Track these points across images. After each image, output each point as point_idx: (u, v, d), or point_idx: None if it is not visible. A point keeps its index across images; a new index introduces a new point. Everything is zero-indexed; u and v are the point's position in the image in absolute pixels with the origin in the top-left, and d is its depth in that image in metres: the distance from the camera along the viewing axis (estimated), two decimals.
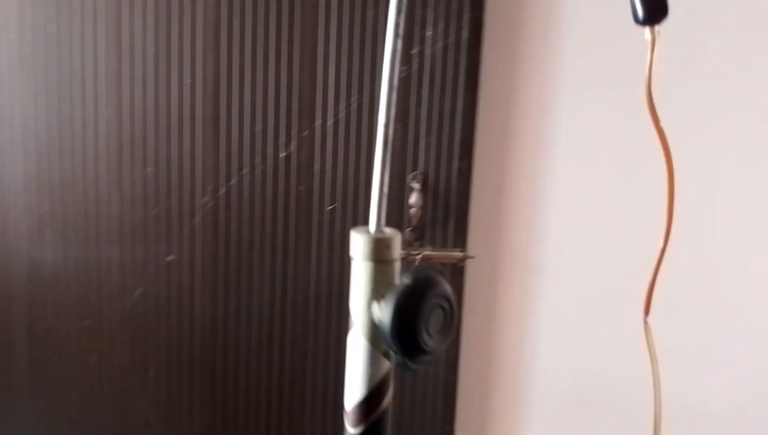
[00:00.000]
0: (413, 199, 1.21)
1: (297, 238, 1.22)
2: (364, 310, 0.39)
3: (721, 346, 1.22)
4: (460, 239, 1.23)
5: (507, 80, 1.23)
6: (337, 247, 1.22)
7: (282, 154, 1.20)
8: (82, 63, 1.19)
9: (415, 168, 1.21)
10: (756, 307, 1.21)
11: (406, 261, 1.23)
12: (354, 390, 0.41)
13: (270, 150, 1.20)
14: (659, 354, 0.43)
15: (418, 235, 1.23)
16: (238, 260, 1.23)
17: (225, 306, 1.24)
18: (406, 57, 1.18)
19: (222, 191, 1.21)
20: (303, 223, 1.22)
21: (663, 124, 0.40)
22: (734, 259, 1.20)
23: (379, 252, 0.39)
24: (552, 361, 1.29)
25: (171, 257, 1.23)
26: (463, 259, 1.24)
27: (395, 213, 1.22)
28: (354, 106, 1.19)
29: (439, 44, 1.17)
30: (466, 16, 1.14)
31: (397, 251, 0.40)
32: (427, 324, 0.38)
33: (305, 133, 1.19)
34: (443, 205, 1.22)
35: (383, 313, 0.37)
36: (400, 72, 1.19)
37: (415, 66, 1.18)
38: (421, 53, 1.17)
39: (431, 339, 0.39)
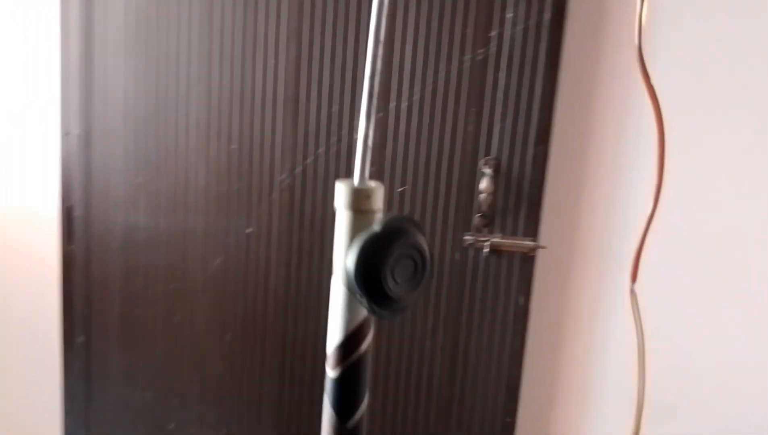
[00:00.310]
0: (484, 184, 1.21)
1: None
2: (342, 257, 0.41)
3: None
4: (531, 228, 1.22)
5: (590, 64, 1.19)
6: None
7: (355, 136, 1.24)
8: (177, 44, 1.29)
9: (487, 153, 1.20)
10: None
11: (474, 247, 1.23)
12: (333, 334, 0.43)
13: (345, 131, 1.24)
14: (646, 323, 0.43)
15: (487, 222, 1.23)
16: (311, 235, 1.29)
17: (297, 278, 1.31)
18: (483, 40, 1.17)
19: (298, 169, 1.27)
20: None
21: (654, 82, 0.39)
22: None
23: (359, 202, 0.41)
24: (624, 360, 1.24)
25: (250, 230, 1.32)
26: (534, 248, 1.22)
27: (464, 198, 1.22)
28: (429, 89, 1.20)
29: (519, 27, 1.16)
30: None
31: (377, 203, 0.42)
32: (393, 271, 0.40)
33: (379, 115, 1.22)
34: (515, 192, 1.21)
35: (350, 257, 0.40)
36: (477, 54, 1.19)
37: (492, 49, 1.17)
38: (500, 36, 1.17)
39: (397, 286, 0.40)
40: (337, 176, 1.26)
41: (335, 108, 1.23)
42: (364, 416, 0.44)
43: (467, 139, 1.20)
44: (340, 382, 0.43)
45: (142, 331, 1.40)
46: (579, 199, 1.23)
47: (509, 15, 1.15)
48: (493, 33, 1.16)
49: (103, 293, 1.40)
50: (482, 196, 1.21)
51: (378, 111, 1.22)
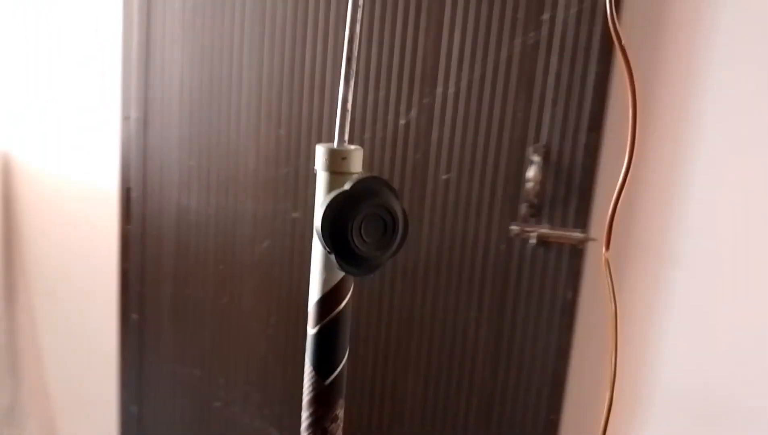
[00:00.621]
0: (532, 172, 1.19)
1: (410, 205, 1.27)
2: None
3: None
4: (581, 219, 1.19)
5: (648, 49, 1.15)
6: (449, 216, 1.25)
7: (402, 121, 1.25)
8: (231, 31, 1.33)
9: (537, 140, 1.18)
10: None
11: (520, 238, 1.22)
12: (313, 292, 0.44)
13: (391, 116, 1.25)
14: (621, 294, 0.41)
15: (534, 212, 1.21)
16: None
17: None
18: (535, 23, 1.16)
19: None
20: (417, 190, 1.26)
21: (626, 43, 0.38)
22: None
23: (335, 163, 0.42)
24: (677, 362, 1.19)
25: (296, 214, 1.35)
26: (584, 241, 1.19)
27: (511, 186, 1.21)
28: (477, 74, 1.19)
29: (573, 9, 1.13)
30: None
31: (355, 166, 0.43)
32: (360, 229, 0.41)
33: (426, 100, 1.23)
34: (565, 181, 1.18)
35: (318, 214, 0.41)
36: (528, 38, 1.18)
37: (544, 32, 1.15)
38: (552, 19, 1.14)
39: (366, 245, 0.41)
40: (382, 162, 1.27)
41: (382, 93, 1.24)
42: (343, 375, 0.45)
43: (516, 125, 1.19)
44: (320, 340, 0.44)
45: (191, 310, 1.46)
46: (633, 189, 1.19)
47: None
48: (546, 16, 1.14)
49: (157, 273, 1.47)
50: (530, 184, 1.19)
51: (424, 96, 1.22)
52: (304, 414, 0.45)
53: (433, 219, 1.26)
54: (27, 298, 1.66)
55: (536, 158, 1.18)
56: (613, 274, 1.27)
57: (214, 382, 1.47)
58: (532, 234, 1.21)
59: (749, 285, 1.13)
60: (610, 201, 1.20)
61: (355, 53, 0.44)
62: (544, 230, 1.21)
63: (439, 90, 1.22)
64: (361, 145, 1.28)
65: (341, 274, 0.43)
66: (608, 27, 1.11)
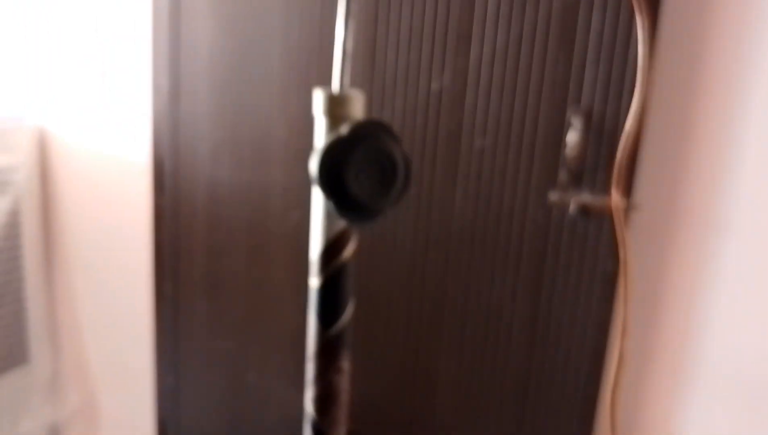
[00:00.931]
0: (572, 137, 1.15)
1: (444, 174, 1.25)
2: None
3: None
4: (625, 186, 1.15)
5: (699, 4, 1.09)
6: (484, 185, 1.22)
7: (434, 86, 1.22)
8: (259, 1, 1.33)
9: (577, 103, 1.14)
10: None
11: (559, 206, 1.18)
12: (315, 243, 0.43)
13: (423, 81, 1.23)
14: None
15: (574, 179, 1.17)
16: None
17: (371, 234, 1.32)
18: None
19: None
20: (451, 158, 1.24)
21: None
22: None
23: (334, 108, 0.41)
24: (727, 337, 1.15)
25: None
26: (628, 208, 1.15)
27: (550, 152, 1.17)
28: (514, 33, 1.16)
29: None
30: None
31: (355, 111, 0.41)
32: (358, 174, 0.39)
33: (459, 63, 1.20)
34: (607, 145, 1.14)
35: (315, 158, 0.39)
36: None
37: None
38: None
39: (363, 190, 0.40)
40: (413, 128, 1.25)
41: (413, 57, 1.22)
42: (347, 327, 0.44)
43: (555, 87, 1.15)
44: (323, 290, 0.43)
45: (224, 283, 1.48)
46: (681, 154, 1.14)
47: None
48: None
49: (190, 246, 1.50)
50: (570, 149, 1.16)
51: (457, 58, 1.20)
52: (309, 366, 0.45)
53: (467, 188, 1.23)
54: (65, 272, 1.71)
55: (576, 122, 1.14)
56: (658, 243, 1.22)
57: (248, 353, 1.49)
58: (571, 202, 1.17)
59: None
60: (657, 166, 1.15)
61: None
62: (584, 198, 1.17)
63: (474, 52, 1.18)
64: (392, 112, 1.26)
65: (342, 223, 0.42)
66: None
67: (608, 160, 1.15)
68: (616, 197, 0.39)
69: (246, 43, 1.35)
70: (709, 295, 1.15)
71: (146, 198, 1.54)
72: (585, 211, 1.18)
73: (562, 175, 1.18)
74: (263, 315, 1.45)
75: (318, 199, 0.43)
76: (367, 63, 1.26)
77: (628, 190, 1.15)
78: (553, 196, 1.18)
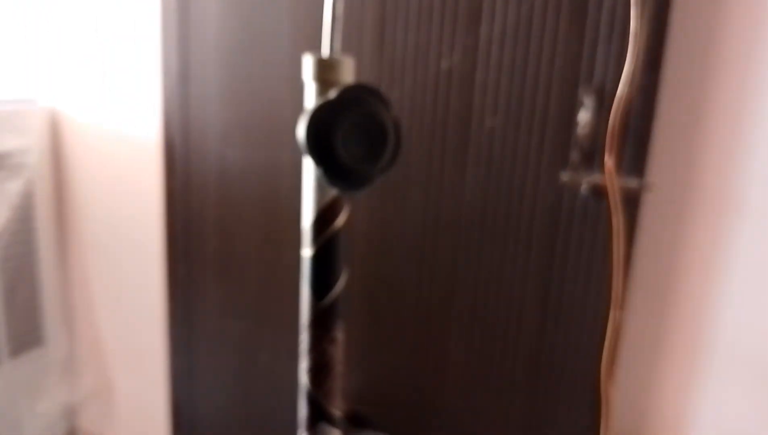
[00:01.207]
0: (584, 115, 1.15)
1: (454, 154, 1.25)
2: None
3: None
4: (638, 166, 1.14)
5: None
6: (495, 165, 1.22)
7: (444, 65, 1.22)
8: None
9: (589, 81, 1.14)
10: None
11: (571, 187, 1.18)
12: (306, 214, 0.44)
13: (432, 60, 1.23)
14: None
15: (586, 159, 1.17)
16: (394, 173, 1.30)
17: (381, 217, 1.33)
18: None
19: None
20: (460, 138, 1.24)
21: None
22: None
23: (323, 72, 0.41)
24: (743, 318, 1.14)
25: None
26: (640, 189, 1.15)
27: (561, 131, 1.17)
28: (525, 9, 1.15)
29: None
30: None
31: (345, 75, 0.42)
32: (344, 139, 0.39)
33: (469, 41, 1.20)
34: (620, 124, 1.13)
35: (302, 122, 0.40)
36: None
37: None
38: None
39: (351, 155, 0.40)
40: (423, 108, 1.25)
41: (422, 35, 1.22)
42: (340, 297, 0.44)
43: (566, 65, 1.14)
44: (315, 261, 0.44)
45: (236, 263, 1.50)
46: (696, 133, 1.13)
47: None
48: None
49: (201, 226, 1.52)
50: (581, 129, 1.15)
51: (467, 37, 1.19)
52: (303, 336, 0.46)
53: (477, 168, 1.24)
54: (79, 254, 1.75)
55: (588, 101, 1.14)
56: (673, 224, 1.22)
57: (260, 334, 1.51)
58: (583, 182, 1.17)
59: None
60: (671, 144, 1.15)
61: None
62: (597, 178, 1.16)
63: (484, 30, 1.18)
64: (402, 91, 1.27)
65: (333, 193, 0.43)
66: None
67: (620, 139, 1.14)
68: (609, 163, 0.40)
69: (254, 24, 1.36)
70: (724, 276, 1.15)
71: (158, 179, 1.56)
72: (597, 191, 1.17)
73: (574, 155, 1.17)
74: (275, 296, 1.47)
75: (309, 172, 0.43)
76: (376, 42, 1.26)
77: (641, 170, 1.14)
78: (565, 176, 1.18)
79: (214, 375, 1.58)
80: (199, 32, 1.41)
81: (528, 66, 1.17)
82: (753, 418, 1.17)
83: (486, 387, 1.32)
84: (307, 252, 0.45)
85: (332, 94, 0.41)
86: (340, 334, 0.45)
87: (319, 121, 0.39)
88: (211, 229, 1.51)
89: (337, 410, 0.46)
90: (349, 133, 0.39)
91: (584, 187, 1.17)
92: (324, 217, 0.43)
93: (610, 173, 0.40)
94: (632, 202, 1.16)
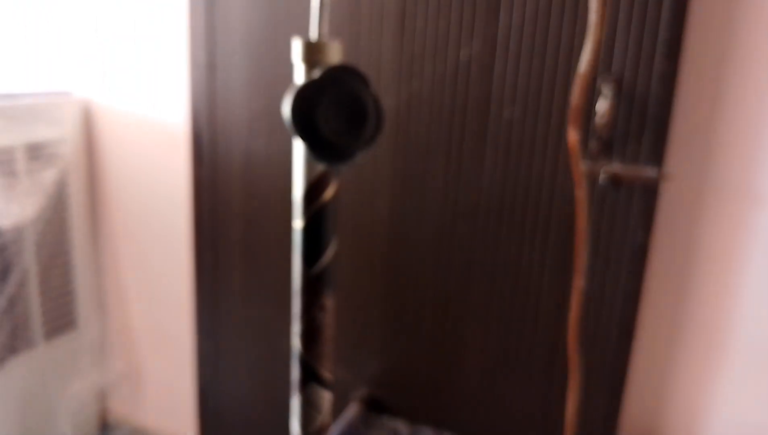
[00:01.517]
0: (602, 104, 1.16)
1: (472, 144, 1.27)
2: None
3: None
4: (656, 155, 1.15)
5: None
6: (513, 155, 1.25)
7: (463, 56, 1.25)
8: None
9: (607, 70, 1.15)
10: None
11: (589, 176, 1.20)
12: (297, 187, 0.48)
13: (452, 50, 1.25)
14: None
15: (604, 148, 1.18)
16: (415, 162, 1.33)
17: (400, 206, 1.37)
18: None
19: (404, 94, 1.32)
20: (479, 127, 1.26)
21: None
22: None
23: (311, 55, 0.44)
24: (763, 312, 1.15)
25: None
26: (659, 178, 1.16)
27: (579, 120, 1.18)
28: (544, 2, 1.17)
29: None
30: None
31: (332, 58, 0.45)
32: (327, 115, 0.43)
33: (488, 32, 1.22)
34: (638, 113, 1.15)
35: (287, 99, 0.43)
36: None
37: None
38: None
39: (334, 131, 0.43)
40: (442, 98, 1.28)
41: (443, 25, 1.25)
42: (329, 267, 0.48)
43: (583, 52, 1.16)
44: (306, 231, 0.47)
45: (260, 252, 1.55)
46: (714, 122, 1.14)
47: None
48: None
49: (227, 216, 1.57)
50: (600, 118, 1.17)
51: (487, 25, 1.22)
52: (295, 303, 0.49)
53: (496, 158, 1.26)
54: (111, 242, 1.82)
55: (607, 90, 1.15)
56: (691, 214, 1.23)
57: (283, 320, 1.56)
58: (601, 172, 1.19)
59: None
60: (690, 134, 1.15)
61: None
62: (615, 168, 1.18)
63: (503, 19, 1.20)
64: (421, 81, 1.30)
65: (321, 168, 0.47)
66: None
67: (639, 128, 1.16)
68: (572, 137, 0.42)
69: (279, 14, 1.41)
70: (743, 267, 1.16)
71: (185, 169, 1.62)
72: (615, 180, 1.19)
73: (592, 145, 1.19)
74: None
75: (299, 148, 0.47)
76: (396, 32, 1.29)
77: (659, 160, 1.15)
78: (583, 165, 1.20)
79: (238, 359, 1.64)
80: (225, 24, 1.46)
81: (546, 56, 1.19)
82: None
83: (503, 374, 1.35)
84: (297, 223, 0.49)
85: (315, 73, 0.44)
86: (329, 301, 0.49)
87: (302, 98, 0.43)
88: (236, 217, 1.56)
89: (326, 372, 0.50)
90: (331, 110, 0.43)
91: (602, 177, 1.19)
92: (313, 190, 0.47)
93: (573, 147, 0.43)
94: (650, 192, 1.17)
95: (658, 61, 1.11)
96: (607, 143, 1.18)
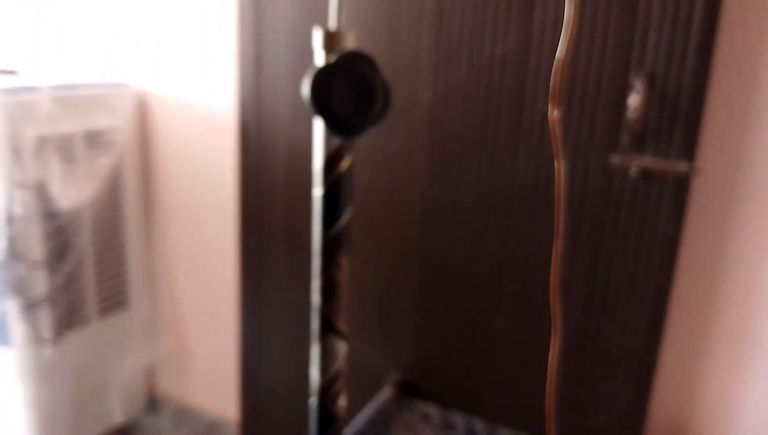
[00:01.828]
0: (634, 99, 1.20)
1: (507, 137, 1.32)
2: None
3: None
4: (688, 149, 1.18)
5: None
6: (545, 148, 1.29)
7: (498, 50, 1.30)
8: None
9: (640, 64, 1.19)
10: None
11: (620, 170, 1.23)
12: (317, 159, 0.55)
13: (488, 45, 1.31)
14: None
15: (636, 142, 1.22)
16: (449, 154, 1.39)
17: (436, 195, 1.43)
18: None
19: (440, 87, 1.37)
20: (513, 121, 1.31)
21: None
22: None
23: (329, 42, 0.51)
24: None
25: (394, 148, 1.46)
26: (690, 173, 1.19)
27: (612, 115, 1.22)
28: None
29: None
30: None
31: (346, 45, 0.51)
32: (340, 95, 0.50)
33: (523, 27, 1.27)
34: (670, 108, 1.18)
35: (306, 80, 0.50)
36: None
37: None
38: None
39: (346, 108, 0.50)
40: (477, 91, 1.33)
41: (479, 20, 1.30)
42: (345, 230, 0.55)
43: (617, 49, 1.20)
44: (325, 198, 0.54)
45: (302, 237, 1.63)
46: (747, 117, 1.16)
47: None
48: None
49: (271, 202, 1.66)
50: (632, 112, 1.20)
51: (522, 21, 1.26)
52: (315, 262, 0.56)
53: (529, 151, 1.31)
54: (161, 224, 1.94)
55: (639, 85, 1.19)
56: (723, 209, 1.25)
57: None
58: (632, 165, 1.22)
59: None
60: (722, 129, 1.18)
61: None
62: (647, 162, 1.21)
63: (538, 15, 1.25)
64: (457, 75, 1.35)
65: (337, 142, 0.53)
66: None
67: (671, 122, 1.19)
68: (552, 115, 0.48)
69: (322, 9, 1.48)
70: None
71: (233, 157, 1.72)
72: (646, 174, 1.22)
73: (624, 138, 1.23)
74: None
75: (319, 126, 0.54)
76: (433, 27, 1.35)
77: (690, 154, 1.18)
78: (615, 159, 1.24)
79: (280, 341, 1.73)
80: (271, 18, 1.55)
81: (580, 50, 1.23)
82: None
83: (531, 362, 1.39)
84: (318, 191, 0.55)
85: (331, 58, 0.51)
86: (345, 261, 0.56)
87: (319, 80, 0.50)
88: (279, 204, 1.65)
89: (342, 325, 0.57)
90: (344, 90, 0.50)
91: (634, 170, 1.22)
92: (330, 162, 0.54)
93: (552, 124, 0.48)
94: (681, 186, 1.20)
95: (690, 56, 1.14)
96: (639, 137, 1.22)
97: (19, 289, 1.65)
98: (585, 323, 1.33)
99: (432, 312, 1.50)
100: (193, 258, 1.92)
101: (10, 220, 1.60)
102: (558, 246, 0.54)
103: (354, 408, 1.48)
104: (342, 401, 0.60)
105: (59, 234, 1.71)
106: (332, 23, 0.54)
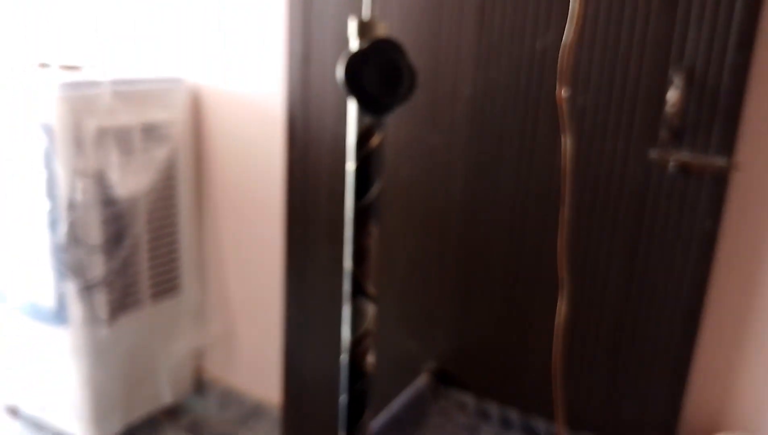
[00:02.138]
0: (674, 94, 1.22)
1: (546, 132, 1.36)
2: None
3: None
4: (726, 145, 1.20)
5: None
6: (584, 142, 1.32)
7: (538, 45, 1.34)
8: None
9: (679, 60, 1.21)
10: None
11: (659, 164, 1.25)
12: (350, 135, 0.60)
13: (527, 40, 1.34)
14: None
15: (675, 137, 1.24)
16: (489, 148, 1.43)
17: (475, 188, 1.47)
18: None
19: (481, 81, 1.42)
20: (552, 116, 1.35)
21: None
22: None
23: (362, 30, 0.57)
24: None
25: (435, 141, 1.50)
26: (728, 168, 1.20)
27: (651, 109, 1.24)
28: None
29: None
30: None
31: (378, 32, 0.57)
32: (371, 76, 0.55)
33: (564, 22, 1.30)
34: (710, 103, 1.20)
35: (341, 63, 0.56)
36: None
37: None
38: None
39: (376, 89, 0.55)
40: (517, 86, 1.37)
41: (519, 17, 1.34)
42: (375, 200, 0.60)
43: (657, 45, 1.22)
44: (357, 171, 0.60)
45: (343, 230, 1.69)
46: None
47: None
48: None
49: (316, 194, 1.73)
50: (671, 107, 1.22)
51: (562, 18, 1.30)
52: (347, 230, 0.62)
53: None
54: (213, 217, 2.04)
55: (678, 79, 1.21)
56: (762, 204, 1.26)
57: None
58: (671, 160, 1.24)
59: None
60: (761, 126, 1.19)
61: None
62: (685, 156, 1.23)
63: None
64: (498, 70, 1.39)
65: (368, 120, 0.59)
66: None
67: (709, 118, 1.20)
68: (560, 93, 0.53)
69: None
70: None
71: (281, 151, 1.80)
72: (685, 169, 1.24)
73: (663, 133, 1.25)
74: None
75: (352, 105, 0.60)
76: (474, 23, 1.40)
77: (729, 149, 1.19)
78: (653, 153, 1.26)
79: (322, 328, 1.80)
80: (319, 19, 1.62)
81: (620, 46, 1.25)
82: None
83: (568, 359, 1.42)
84: (350, 165, 0.61)
85: (363, 45, 0.57)
86: (374, 230, 0.61)
87: (352, 63, 0.56)
88: (323, 196, 1.71)
89: (370, 288, 0.63)
90: (374, 73, 0.55)
91: (672, 165, 1.24)
92: (362, 138, 0.60)
93: (560, 102, 0.52)
94: (719, 181, 1.21)
95: (730, 52, 1.16)
96: (678, 132, 1.24)
97: (78, 271, 1.76)
98: (621, 317, 1.35)
99: (469, 303, 1.54)
100: (241, 246, 2.01)
101: (71, 206, 1.71)
102: (564, 213, 0.58)
103: (391, 394, 1.54)
104: (370, 358, 0.66)
105: (116, 220, 1.82)
106: (365, 13, 0.60)
